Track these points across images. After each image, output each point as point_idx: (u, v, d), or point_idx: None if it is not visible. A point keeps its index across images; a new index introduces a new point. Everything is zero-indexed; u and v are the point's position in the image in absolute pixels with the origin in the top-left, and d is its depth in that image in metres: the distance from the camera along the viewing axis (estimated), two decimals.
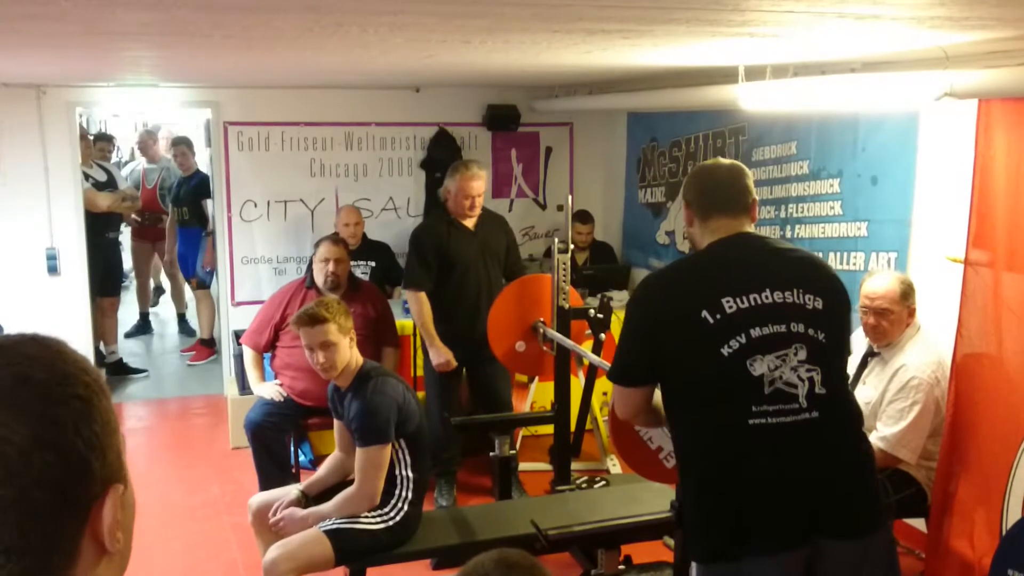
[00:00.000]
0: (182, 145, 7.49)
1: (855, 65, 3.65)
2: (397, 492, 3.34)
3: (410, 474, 3.35)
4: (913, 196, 4.03)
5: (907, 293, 3.53)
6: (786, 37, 2.88)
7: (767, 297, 2.22)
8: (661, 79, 4.90)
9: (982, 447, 3.30)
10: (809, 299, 2.25)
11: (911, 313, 3.53)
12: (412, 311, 4.69)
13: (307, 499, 3.49)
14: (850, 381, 3.22)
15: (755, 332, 2.19)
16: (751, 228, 2.39)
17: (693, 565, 2.30)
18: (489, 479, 4.80)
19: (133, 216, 8.08)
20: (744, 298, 2.21)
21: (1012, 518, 3.12)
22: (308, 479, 3.66)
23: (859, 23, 2.53)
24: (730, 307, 2.20)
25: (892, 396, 3.44)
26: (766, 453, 2.18)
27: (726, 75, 4.11)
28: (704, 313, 2.19)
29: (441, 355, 4.59)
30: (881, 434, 3.40)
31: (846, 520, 2.22)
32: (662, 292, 2.35)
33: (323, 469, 3.64)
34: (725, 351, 2.18)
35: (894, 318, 3.49)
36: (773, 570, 2.18)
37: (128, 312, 8.39)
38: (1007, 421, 3.19)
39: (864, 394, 3.50)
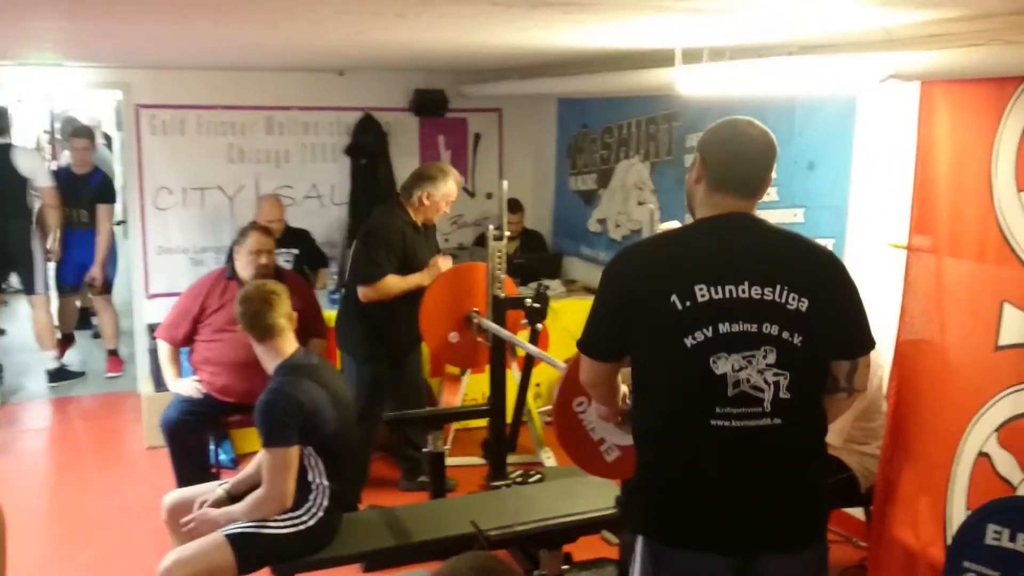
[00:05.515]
0: (85, 138, 6.53)
1: (792, 48, 3.58)
2: (312, 498, 3.13)
3: (325, 483, 3.12)
4: (850, 182, 4.00)
5: None
6: (733, 13, 2.78)
7: (743, 291, 2.04)
8: (594, 63, 4.79)
9: (925, 435, 3.26)
10: (792, 298, 2.05)
11: None
12: (383, 292, 4.35)
13: (231, 500, 3.27)
14: None
15: (723, 328, 2.03)
16: (754, 209, 2.19)
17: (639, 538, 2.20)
18: (393, 472, 4.89)
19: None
20: (719, 288, 2.03)
21: (956, 506, 3.10)
22: (234, 478, 3.45)
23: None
24: (702, 295, 2.03)
25: None
26: (721, 455, 2.06)
27: (661, 59, 4.02)
28: (674, 297, 2.04)
29: (437, 266, 4.38)
30: None
31: (787, 534, 2.11)
32: (636, 268, 2.17)
33: (252, 466, 3.42)
34: (688, 342, 2.03)
35: None
36: (698, 567, 2.08)
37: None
38: (950, 408, 3.15)
39: None
